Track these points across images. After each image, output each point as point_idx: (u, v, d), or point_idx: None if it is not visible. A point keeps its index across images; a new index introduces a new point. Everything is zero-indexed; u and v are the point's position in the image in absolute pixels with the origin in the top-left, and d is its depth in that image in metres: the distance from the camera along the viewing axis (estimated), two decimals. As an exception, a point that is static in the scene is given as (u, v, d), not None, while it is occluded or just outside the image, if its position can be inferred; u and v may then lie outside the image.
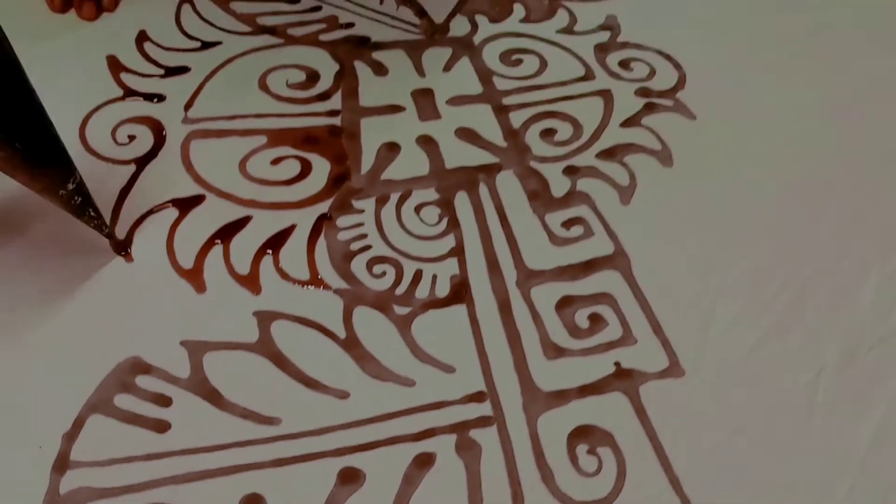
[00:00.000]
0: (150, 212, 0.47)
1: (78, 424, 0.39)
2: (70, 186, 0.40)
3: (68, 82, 0.53)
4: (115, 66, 0.54)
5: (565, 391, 0.41)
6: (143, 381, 0.40)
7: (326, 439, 0.39)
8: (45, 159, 0.39)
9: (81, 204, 0.42)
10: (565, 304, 0.44)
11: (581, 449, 0.39)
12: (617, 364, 0.42)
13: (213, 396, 0.40)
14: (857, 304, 0.45)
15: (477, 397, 0.41)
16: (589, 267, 0.46)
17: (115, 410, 0.39)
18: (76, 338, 0.42)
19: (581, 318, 0.44)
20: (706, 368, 0.42)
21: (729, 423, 0.40)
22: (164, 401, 0.40)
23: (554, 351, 0.43)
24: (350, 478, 0.38)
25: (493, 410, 0.40)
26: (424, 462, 0.38)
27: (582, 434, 0.40)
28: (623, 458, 0.39)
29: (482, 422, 0.40)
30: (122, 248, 0.45)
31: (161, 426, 0.39)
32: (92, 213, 0.43)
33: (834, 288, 0.45)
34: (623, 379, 0.41)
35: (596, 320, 0.44)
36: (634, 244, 0.47)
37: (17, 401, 0.39)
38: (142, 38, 0.56)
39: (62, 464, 0.37)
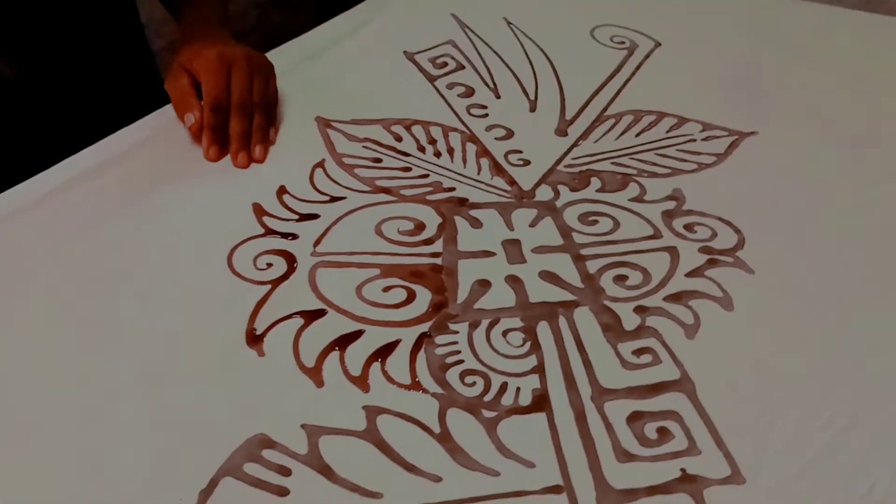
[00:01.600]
0: (280, 320, 0.56)
1: (213, 483, 0.45)
2: None
3: (220, 220, 0.64)
4: (260, 211, 0.66)
5: (635, 490, 0.46)
6: (268, 454, 0.47)
7: (421, 514, 0.44)
8: None
9: None
10: (636, 417, 0.50)
11: (650, 541, 0.43)
12: (683, 470, 0.47)
13: (325, 471, 0.46)
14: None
15: (554, 489, 0.46)
16: (657, 389, 0.52)
17: (244, 475, 0.46)
18: (214, 413, 0.49)
19: (650, 430, 0.49)
20: (765, 478, 0.46)
21: (787, 527, 0.44)
22: (285, 471, 0.46)
23: (625, 456, 0.48)
24: (441, 548, 0.43)
25: (568, 502, 0.45)
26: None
27: (650, 527, 0.44)
28: (688, 550, 0.43)
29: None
30: (256, 342, 0.54)
31: (282, 491, 0.45)
32: None
33: (886, 415, 0.50)
34: (689, 483, 0.46)
35: (663, 433, 0.49)
36: (699, 372, 0.53)
37: (162, 459, 0.47)
38: (282, 190, 0.69)
39: (198, 515, 0.44)
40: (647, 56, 0.92)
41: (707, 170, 0.73)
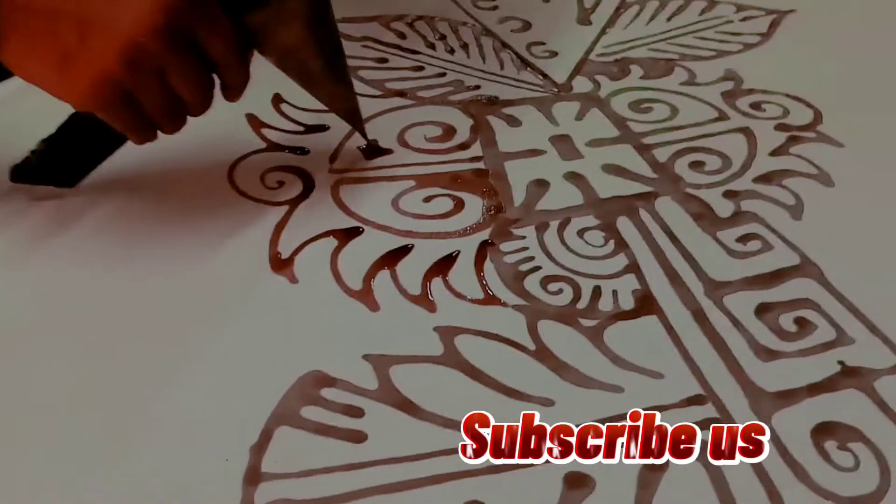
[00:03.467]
0: (309, 241, 0.45)
1: (266, 435, 0.35)
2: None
3: (211, 136, 0.53)
4: (256, 123, 0.55)
5: (793, 391, 0.37)
6: (329, 394, 0.37)
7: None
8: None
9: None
10: (764, 310, 0.41)
11: (830, 445, 0.34)
12: (841, 363, 0.38)
13: (407, 407, 0.36)
14: None
15: (696, 400, 0.37)
16: (777, 276, 0.43)
17: (304, 422, 0.35)
18: (251, 353, 0.39)
19: (786, 321, 0.41)
20: (944, 359, 0.38)
21: None
22: (355, 412, 0.36)
23: (767, 354, 0.39)
24: (579, 483, 0.33)
25: (718, 412, 0.36)
26: (657, 466, 0.34)
27: (826, 431, 0.35)
28: (880, 451, 0.34)
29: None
30: (284, 267, 0.43)
31: (357, 436, 0.35)
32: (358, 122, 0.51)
33: None
34: (853, 377, 0.37)
35: (803, 324, 0.40)
36: (819, 255, 0.44)
37: (196, 415, 0.36)
38: (277, 99, 0.57)
39: (254, 477, 0.33)
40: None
41: (754, 49, 0.65)
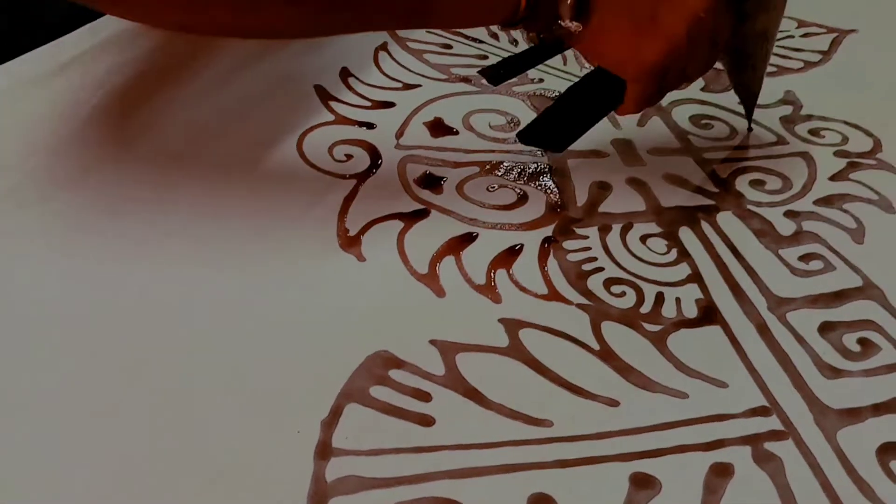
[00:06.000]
0: (376, 220, 0.45)
1: (336, 412, 0.35)
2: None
3: (280, 106, 0.53)
4: (324, 94, 0.55)
5: (858, 409, 0.37)
6: (397, 375, 0.37)
7: (608, 444, 0.35)
8: None
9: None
10: (828, 328, 0.41)
11: (895, 465, 0.35)
12: (906, 386, 0.38)
13: (474, 395, 0.36)
14: None
15: (761, 412, 0.37)
16: (840, 297, 0.43)
17: (373, 401, 0.35)
18: (320, 330, 0.39)
19: (850, 341, 0.41)
20: None
21: None
22: (423, 395, 0.36)
23: (831, 371, 0.39)
24: (645, 483, 0.33)
25: (783, 425, 0.36)
26: (723, 471, 0.34)
27: (892, 451, 0.35)
28: (946, 476, 0.34)
29: (774, 435, 0.36)
30: (352, 245, 0.44)
31: (425, 420, 0.35)
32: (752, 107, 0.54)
33: None
34: (918, 400, 0.38)
35: (867, 344, 0.41)
36: (882, 277, 0.44)
37: (268, 388, 0.36)
38: (345, 73, 0.57)
39: (324, 451, 0.33)
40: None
41: (814, 68, 0.65)
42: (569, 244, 0.46)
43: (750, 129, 0.56)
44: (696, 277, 0.44)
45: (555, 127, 0.49)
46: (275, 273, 0.42)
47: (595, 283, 0.43)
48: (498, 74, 0.46)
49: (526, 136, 0.50)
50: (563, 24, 0.42)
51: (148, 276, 0.41)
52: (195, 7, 0.38)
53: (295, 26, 0.42)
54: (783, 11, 0.50)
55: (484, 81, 0.49)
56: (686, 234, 0.47)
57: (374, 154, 0.50)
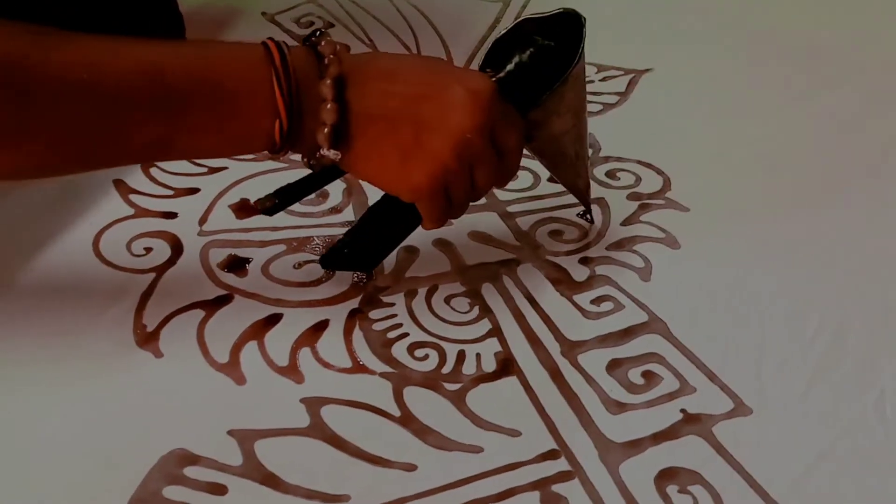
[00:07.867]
0: (175, 313, 0.45)
1: (125, 520, 0.34)
2: None
3: (76, 206, 0.53)
4: (124, 189, 0.55)
5: (639, 440, 0.40)
6: (192, 472, 0.37)
7: (404, 510, 0.36)
8: None
9: None
10: (615, 365, 0.44)
11: (672, 489, 0.37)
12: (683, 411, 0.41)
13: (271, 480, 0.37)
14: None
15: (550, 455, 0.39)
16: (628, 333, 0.47)
17: (166, 503, 0.35)
18: (112, 435, 0.38)
19: (635, 375, 0.44)
20: (772, 404, 0.41)
21: (811, 449, 0.39)
22: (219, 489, 0.36)
23: (616, 406, 0.42)
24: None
25: (570, 465, 0.38)
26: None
27: (668, 476, 0.38)
28: (717, 492, 0.37)
29: (562, 476, 0.38)
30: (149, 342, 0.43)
31: (219, 513, 0.35)
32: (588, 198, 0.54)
33: (872, 314, 0.47)
34: (693, 423, 0.41)
35: (650, 377, 0.43)
36: (666, 311, 0.48)
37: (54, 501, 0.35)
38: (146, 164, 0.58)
39: (109, 562, 0.33)
40: (525, 6, 0.87)
41: (612, 110, 0.70)
42: (375, 313, 0.47)
43: (591, 222, 0.56)
44: (496, 331, 0.47)
45: (360, 250, 0.50)
46: (64, 383, 0.41)
47: (399, 350, 0.45)
48: (274, 206, 0.45)
49: (330, 261, 0.50)
50: (323, 153, 0.41)
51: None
52: None
53: (24, 169, 0.39)
54: (583, 113, 0.49)
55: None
56: (488, 290, 0.50)
57: (176, 244, 0.51)
